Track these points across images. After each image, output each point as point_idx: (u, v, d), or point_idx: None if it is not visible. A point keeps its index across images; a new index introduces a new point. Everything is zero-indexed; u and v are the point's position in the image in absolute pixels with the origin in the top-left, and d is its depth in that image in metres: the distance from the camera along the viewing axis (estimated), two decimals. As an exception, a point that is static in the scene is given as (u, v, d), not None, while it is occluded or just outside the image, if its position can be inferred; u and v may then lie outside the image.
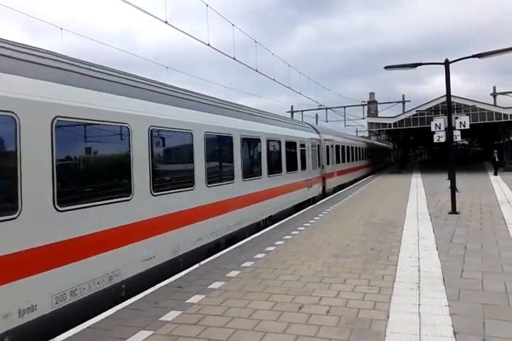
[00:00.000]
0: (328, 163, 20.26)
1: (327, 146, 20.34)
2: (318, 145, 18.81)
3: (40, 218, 4.89)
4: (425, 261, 7.22)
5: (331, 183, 20.91)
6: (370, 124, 36.30)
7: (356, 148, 30.14)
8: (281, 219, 12.50)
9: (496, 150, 29.77)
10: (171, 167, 7.91)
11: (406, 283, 6.07)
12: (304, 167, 16.14)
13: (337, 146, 22.84)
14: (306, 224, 11.56)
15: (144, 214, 6.59)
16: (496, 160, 28.60)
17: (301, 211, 14.56)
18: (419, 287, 5.90)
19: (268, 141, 12.42)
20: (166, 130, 7.40)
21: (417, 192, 19.26)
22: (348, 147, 26.36)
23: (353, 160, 28.22)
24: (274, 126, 13.46)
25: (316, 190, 18.00)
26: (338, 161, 22.86)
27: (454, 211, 12.52)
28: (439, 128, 15.79)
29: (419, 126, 33.73)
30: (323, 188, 19.45)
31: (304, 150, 16.26)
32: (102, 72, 6.56)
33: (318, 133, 19.48)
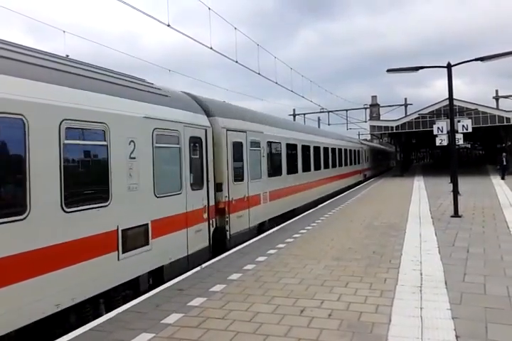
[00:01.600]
0: (240, 178, 10.50)
1: (235, 143, 10.39)
2: (200, 140, 8.90)
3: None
4: (427, 265, 7.20)
5: (249, 218, 10.88)
6: (373, 127, 36.28)
7: (331, 149, 20.81)
8: None
9: (504, 154, 28.92)
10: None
11: (408, 287, 6.06)
12: (103, 196, 6.03)
13: (275, 144, 13.27)
14: (307, 227, 11.54)
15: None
16: (503, 164, 27.74)
17: (302, 214, 14.51)
18: (421, 290, 5.88)
19: None
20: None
21: (419, 195, 19.21)
22: (308, 147, 16.80)
23: (320, 167, 18.73)
24: None
25: (172, 246, 7.58)
26: (278, 171, 13.36)
27: (456, 214, 12.48)
28: (442, 132, 15.76)
29: (421, 129, 33.71)
30: (220, 232, 9.51)
31: (120, 151, 6.41)
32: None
33: (204, 113, 9.52)
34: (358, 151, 30.30)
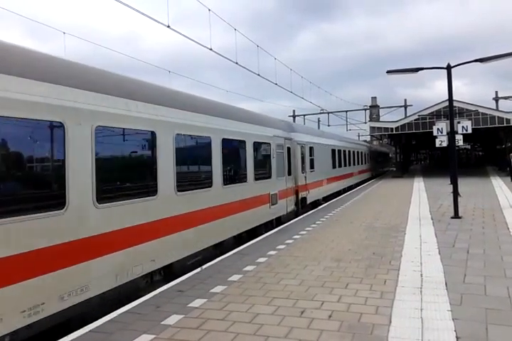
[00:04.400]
0: None
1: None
2: None
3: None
4: (427, 266, 7.20)
5: None
6: (372, 129, 36.29)
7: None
8: None
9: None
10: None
11: (408, 288, 6.05)
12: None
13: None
14: (307, 229, 11.54)
15: None
16: None
17: (301, 216, 14.53)
18: (421, 292, 5.88)
19: None
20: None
21: (419, 196, 19.21)
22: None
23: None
24: None
25: None
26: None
27: (456, 215, 12.48)
28: (441, 133, 15.80)
29: (421, 130, 33.74)
30: None
31: None
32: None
33: None
34: (269, 147, 12.59)
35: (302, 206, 15.58)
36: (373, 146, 43.47)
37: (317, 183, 18.01)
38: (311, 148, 17.38)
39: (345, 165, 25.06)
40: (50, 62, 5.60)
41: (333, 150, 22.08)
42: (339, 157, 23.43)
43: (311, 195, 16.81)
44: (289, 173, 14.21)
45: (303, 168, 15.94)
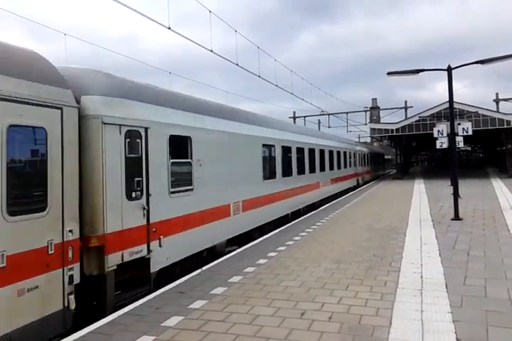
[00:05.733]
0: None
1: None
2: None
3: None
4: (428, 268, 7.19)
5: None
6: (373, 130, 36.24)
7: None
8: None
9: None
10: None
11: (409, 290, 6.05)
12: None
13: None
14: (308, 230, 11.53)
15: None
16: None
17: (302, 217, 14.54)
18: (421, 293, 5.87)
19: None
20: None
21: (420, 198, 19.19)
22: None
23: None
24: None
25: None
26: None
27: (456, 217, 12.47)
28: (442, 134, 15.83)
29: (421, 132, 33.70)
30: None
31: None
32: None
33: None
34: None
35: (129, 285, 6.46)
36: (361, 144, 36.17)
37: (206, 215, 8.67)
38: (182, 139, 8.09)
39: (300, 173, 15.68)
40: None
41: (269, 147, 12.81)
42: (285, 159, 14.12)
43: (176, 249, 7.53)
44: (41, 207, 4.90)
45: (137, 188, 6.63)
